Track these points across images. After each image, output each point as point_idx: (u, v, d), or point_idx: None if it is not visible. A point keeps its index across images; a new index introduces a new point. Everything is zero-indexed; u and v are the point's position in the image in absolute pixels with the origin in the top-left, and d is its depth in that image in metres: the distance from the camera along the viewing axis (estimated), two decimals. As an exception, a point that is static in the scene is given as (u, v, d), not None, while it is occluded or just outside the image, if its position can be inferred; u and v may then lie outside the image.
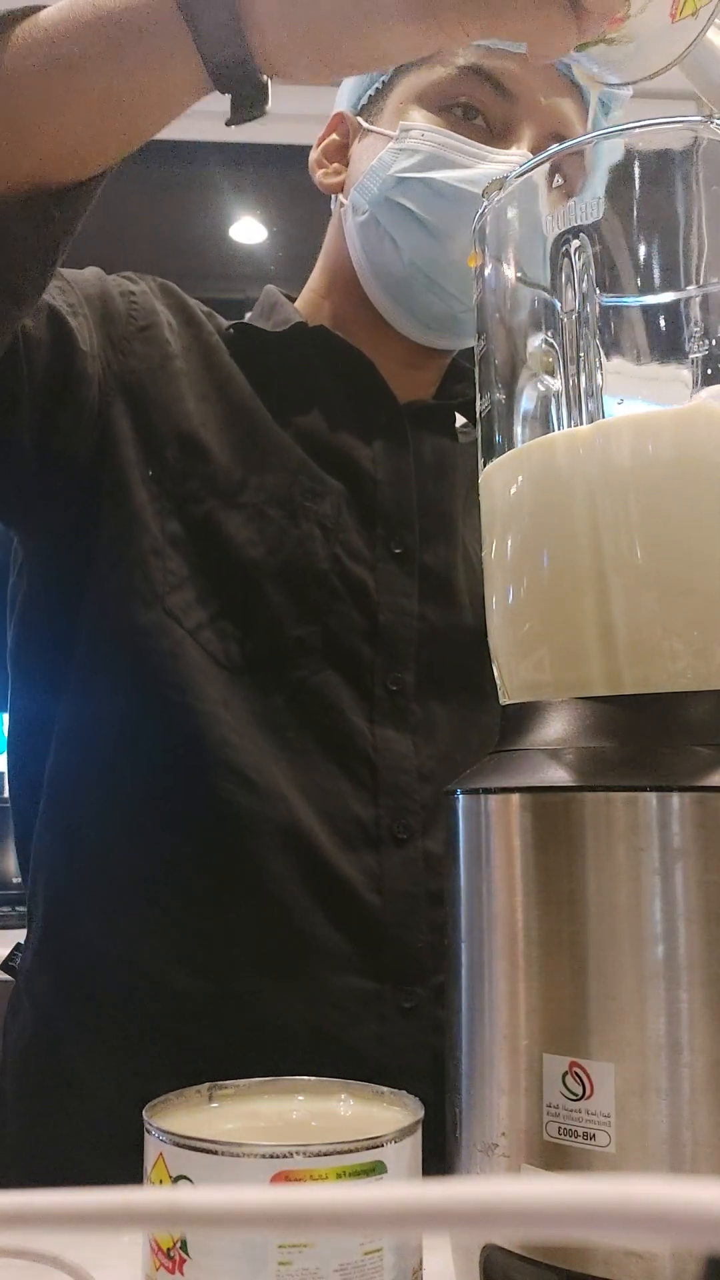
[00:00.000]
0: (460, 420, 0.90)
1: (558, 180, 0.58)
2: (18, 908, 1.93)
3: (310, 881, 0.73)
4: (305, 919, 0.73)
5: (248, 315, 0.89)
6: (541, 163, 0.50)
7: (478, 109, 0.78)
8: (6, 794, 2.59)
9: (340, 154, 0.87)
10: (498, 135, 0.78)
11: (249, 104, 0.54)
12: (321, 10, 0.51)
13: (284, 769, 0.75)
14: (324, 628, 0.77)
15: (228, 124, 0.56)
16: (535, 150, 0.78)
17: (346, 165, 0.86)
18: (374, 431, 0.84)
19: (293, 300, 0.91)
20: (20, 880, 2.09)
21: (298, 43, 0.52)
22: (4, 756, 2.42)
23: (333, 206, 0.89)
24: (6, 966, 0.85)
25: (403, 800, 0.76)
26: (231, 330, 0.85)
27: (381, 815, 0.76)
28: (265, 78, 0.54)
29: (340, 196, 0.86)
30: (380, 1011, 0.73)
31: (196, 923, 0.74)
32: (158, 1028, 0.72)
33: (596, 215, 0.47)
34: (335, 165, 0.87)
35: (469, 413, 0.90)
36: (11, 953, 0.85)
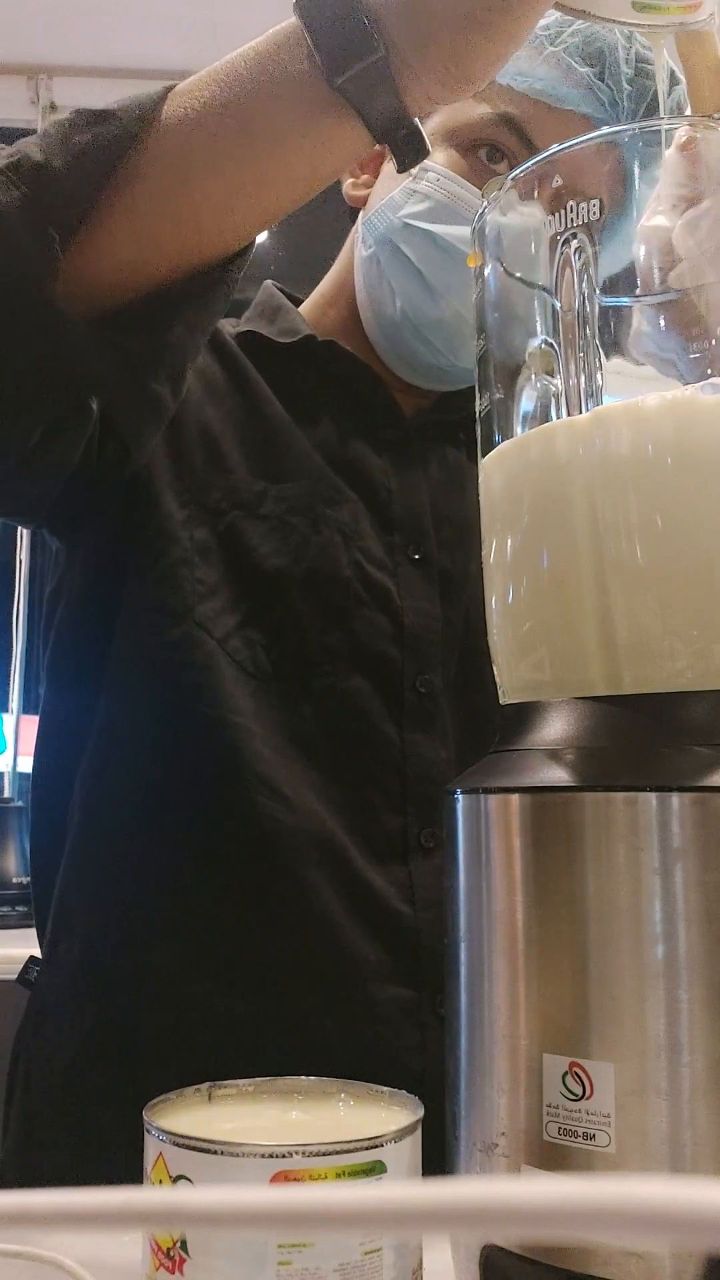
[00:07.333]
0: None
1: (558, 180, 0.58)
2: (18, 907, 1.93)
3: (345, 895, 0.74)
4: (344, 933, 0.73)
5: (245, 314, 0.89)
6: (542, 162, 0.50)
7: (502, 153, 0.78)
8: (8, 794, 2.59)
9: (375, 164, 0.85)
10: None
11: (414, 152, 0.56)
12: (441, 13, 0.52)
13: (313, 782, 0.75)
14: (350, 633, 0.77)
15: (400, 172, 0.57)
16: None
17: (376, 178, 0.85)
18: (383, 445, 0.84)
19: (295, 302, 0.90)
20: (20, 881, 2.08)
21: (425, 56, 0.52)
22: (3, 756, 2.43)
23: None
24: (23, 980, 0.84)
25: (429, 809, 0.77)
26: (237, 337, 0.85)
27: (409, 824, 0.76)
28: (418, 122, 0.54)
29: (361, 215, 0.86)
30: (420, 1020, 0.74)
31: (239, 940, 0.73)
32: (201, 1051, 0.70)
33: (596, 215, 0.47)
34: (366, 177, 0.86)
35: (471, 429, 0.90)
36: (27, 964, 0.84)
